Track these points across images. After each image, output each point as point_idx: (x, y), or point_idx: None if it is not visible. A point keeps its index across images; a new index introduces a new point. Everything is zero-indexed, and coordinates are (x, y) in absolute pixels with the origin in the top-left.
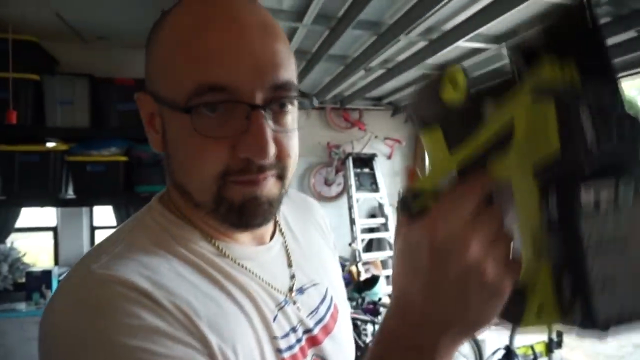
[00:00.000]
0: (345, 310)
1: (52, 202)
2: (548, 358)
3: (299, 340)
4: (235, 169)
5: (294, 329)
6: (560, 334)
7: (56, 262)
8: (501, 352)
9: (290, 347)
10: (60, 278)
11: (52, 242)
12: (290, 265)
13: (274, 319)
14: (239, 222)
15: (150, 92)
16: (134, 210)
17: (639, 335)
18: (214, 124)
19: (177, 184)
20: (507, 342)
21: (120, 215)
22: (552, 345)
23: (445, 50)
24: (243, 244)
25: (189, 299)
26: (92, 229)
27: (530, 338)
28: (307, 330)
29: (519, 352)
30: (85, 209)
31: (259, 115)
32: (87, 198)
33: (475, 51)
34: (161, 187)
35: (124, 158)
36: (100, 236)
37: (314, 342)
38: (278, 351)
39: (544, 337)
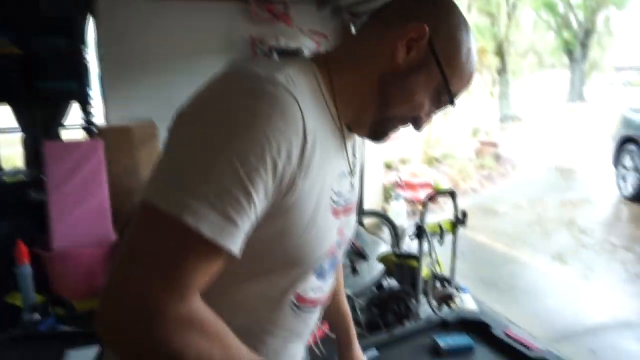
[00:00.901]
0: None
1: None
2: (453, 234)
3: (342, 204)
4: (405, 120)
5: (341, 194)
6: (464, 214)
7: None
8: (413, 230)
9: (337, 203)
10: None
11: None
12: (353, 147)
13: (341, 179)
14: (376, 138)
15: (429, 37)
16: (38, 108)
17: (533, 216)
18: (436, 102)
19: (382, 86)
20: (418, 221)
21: (22, 115)
22: (457, 223)
23: None
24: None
25: (315, 145)
26: None
27: (439, 217)
28: (346, 201)
29: (428, 229)
30: None
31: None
32: None
33: None
34: (66, 82)
35: (18, 51)
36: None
37: (345, 212)
38: (333, 201)
39: (450, 216)
